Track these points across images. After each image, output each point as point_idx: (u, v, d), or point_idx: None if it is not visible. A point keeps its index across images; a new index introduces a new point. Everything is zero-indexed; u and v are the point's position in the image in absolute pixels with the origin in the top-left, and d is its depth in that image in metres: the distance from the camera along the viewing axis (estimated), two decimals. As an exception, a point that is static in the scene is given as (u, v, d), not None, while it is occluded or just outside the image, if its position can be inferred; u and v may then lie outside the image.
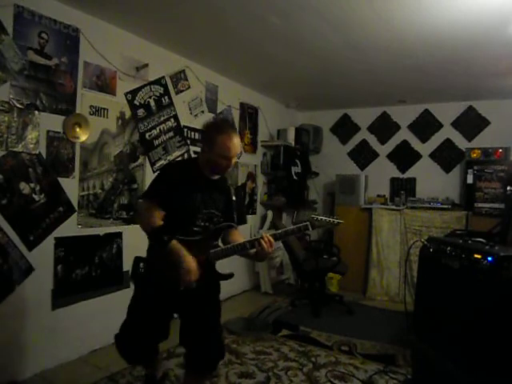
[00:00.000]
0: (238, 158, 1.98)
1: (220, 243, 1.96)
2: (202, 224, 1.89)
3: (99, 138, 3.05)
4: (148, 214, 1.82)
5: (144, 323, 1.93)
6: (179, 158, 3.79)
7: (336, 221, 1.78)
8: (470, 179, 4.60)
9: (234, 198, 2.04)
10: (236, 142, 1.85)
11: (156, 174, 2.06)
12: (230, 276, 1.92)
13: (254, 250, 1.81)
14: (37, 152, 2.61)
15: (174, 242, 1.76)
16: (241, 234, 2.03)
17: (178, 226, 1.82)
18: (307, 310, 4.14)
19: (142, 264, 1.97)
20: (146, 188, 3.30)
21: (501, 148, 4.50)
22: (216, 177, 1.95)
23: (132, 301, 2.00)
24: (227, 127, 1.92)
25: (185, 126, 3.86)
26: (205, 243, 1.87)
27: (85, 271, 2.94)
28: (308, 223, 1.76)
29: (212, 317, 1.97)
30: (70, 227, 2.84)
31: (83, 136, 2.90)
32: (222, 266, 1.94)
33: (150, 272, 1.93)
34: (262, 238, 1.78)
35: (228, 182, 2.14)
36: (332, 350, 3.17)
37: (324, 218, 1.76)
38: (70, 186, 2.85)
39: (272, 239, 1.79)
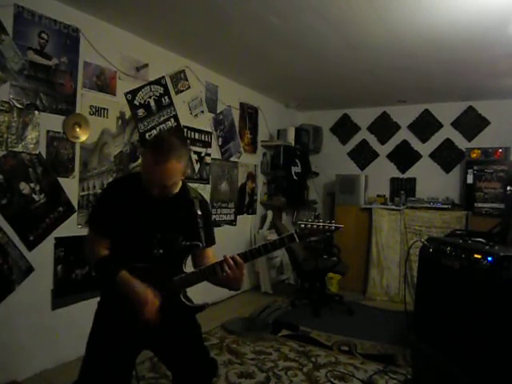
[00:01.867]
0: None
1: (188, 269, 1.61)
2: (160, 251, 1.57)
3: (99, 138, 3.05)
4: (91, 245, 1.57)
5: (104, 369, 1.57)
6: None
7: (333, 225, 1.40)
8: (469, 179, 4.60)
9: (199, 213, 1.64)
10: (163, 170, 1.44)
11: (99, 194, 1.79)
12: (202, 308, 1.58)
13: (222, 275, 1.46)
14: (37, 152, 2.61)
15: (123, 273, 1.47)
16: (215, 256, 1.67)
17: (132, 255, 1.53)
18: (307, 310, 4.14)
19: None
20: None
21: (501, 148, 4.50)
22: (173, 192, 1.57)
23: (89, 340, 1.64)
24: (158, 149, 1.46)
25: (185, 126, 3.86)
26: (164, 271, 1.55)
27: (85, 271, 2.94)
28: (294, 234, 1.42)
29: (195, 337, 1.70)
30: (70, 227, 2.84)
31: (83, 136, 2.90)
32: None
33: (102, 311, 1.63)
34: (226, 259, 1.44)
35: (189, 194, 1.69)
36: (332, 350, 3.17)
37: (316, 223, 1.39)
38: (70, 186, 2.85)
39: (241, 260, 1.44)
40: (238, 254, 1.47)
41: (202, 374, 1.67)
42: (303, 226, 1.41)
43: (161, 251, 1.57)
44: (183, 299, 1.58)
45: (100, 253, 1.54)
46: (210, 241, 1.70)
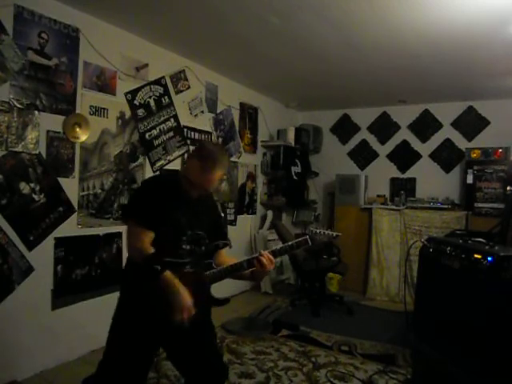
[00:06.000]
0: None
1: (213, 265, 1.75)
2: (189, 247, 1.69)
3: (99, 138, 3.05)
4: (138, 239, 1.61)
5: (125, 364, 1.65)
6: (179, 159, 3.79)
7: (335, 234, 1.76)
8: (469, 179, 4.59)
9: (222, 214, 1.90)
10: (214, 176, 1.64)
11: (137, 188, 1.87)
12: (226, 301, 1.76)
13: (252, 269, 1.65)
14: (37, 152, 2.61)
15: (168, 273, 1.55)
16: (227, 255, 1.84)
17: (163, 249, 1.62)
18: (307, 310, 4.14)
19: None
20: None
21: (501, 148, 4.50)
22: (201, 193, 1.74)
23: (111, 337, 1.75)
24: (212, 157, 1.65)
25: (185, 126, 3.86)
26: (197, 266, 1.69)
27: (85, 271, 2.94)
28: (307, 237, 1.65)
29: (210, 340, 1.82)
30: (70, 227, 2.84)
31: (83, 136, 2.90)
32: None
33: (131, 306, 1.69)
34: (262, 255, 1.62)
35: (213, 197, 1.94)
36: (332, 350, 3.17)
37: (323, 231, 1.75)
38: (70, 186, 2.85)
39: (272, 257, 1.64)
40: (269, 251, 1.65)
41: (215, 376, 1.76)
42: (314, 231, 1.65)
43: (188, 247, 1.69)
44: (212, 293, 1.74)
45: (148, 248, 1.59)
46: (229, 241, 1.90)
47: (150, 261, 1.57)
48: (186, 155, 3.82)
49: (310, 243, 1.64)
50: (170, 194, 1.69)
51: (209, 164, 1.63)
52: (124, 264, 1.80)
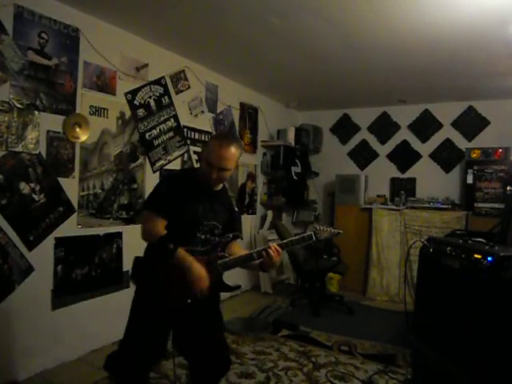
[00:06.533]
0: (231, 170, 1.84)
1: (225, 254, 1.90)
2: (203, 236, 1.82)
3: (99, 138, 3.05)
4: (152, 224, 1.76)
5: (145, 336, 1.77)
6: (179, 159, 3.80)
7: (336, 231, 1.83)
8: (469, 179, 4.59)
9: (236, 209, 2.01)
10: (226, 152, 1.73)
11: (157, 182, 2.00)
12: (237, 287, 1.91)
13: (260, 260, 1.79)
14: (37, 152, 2.61)
15: (181, 250, 1.70)
16: (240, 246, 2.01)
17: (178, 237, 1.75)
18: (307, 310, 4.14)
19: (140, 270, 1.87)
20: (146, 189, 3.35)
21: (501, 148, 4.50)
22: (217, 188, 1.88)
23: (133, 312, 1.84)
24: (224, 136, 1.89)
25: (185, 126, 3.86)
26: (210, 254, 1.82)
27: (85, 271, 2.94)
28: (312, 233, 1.77)
29: (218, 329, 1.95)
30: (70, 227, 2.84)
31: (83, 136, 2.90)
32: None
33: (149, 285, 1.80)
34: (270, 247, 1.76)
35: (228, 193, 2.07)
36: (332, 350, 3.17)
37: (326, 228, 1.81)
38: (70, 186, 2.84)
39: (279, 249, 1.78)
40: (277, 244, 1.79)
41: (219, 363, 1.88)
42: (318, 228, 1.78)
43: (202, 236, 1.82)
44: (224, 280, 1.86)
45: (161, 231, 1.73)
46: (241, 234, 2.01)
47: (164, 241, 1.71)
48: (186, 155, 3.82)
49: (314, 238, 1.76)
50: (186, 186, 1.83)
51: (206, 159, 1.77)
52: (142, 254, 1.90)
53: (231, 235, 1.90)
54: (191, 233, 1.80)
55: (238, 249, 1.94)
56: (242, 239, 1.93)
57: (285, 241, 1.82)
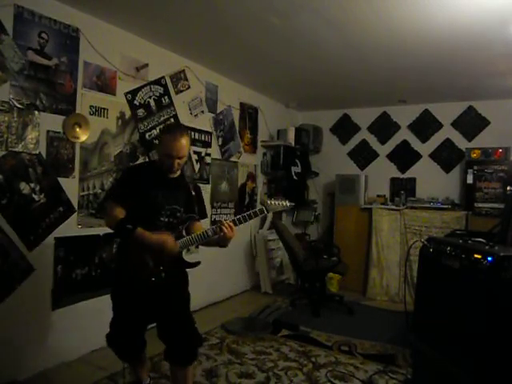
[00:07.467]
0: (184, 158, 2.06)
1: (184, 233, 2.08)
2: (166, 220, 2.00)
3: (99, 138, 3.05)
4: (112, 211, 1.94)
5: (125, 316, 2.10)
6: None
7: (288, 204, 1.99)
8: (469, 179, 4.59)
9: (193, 193, 2.15)
10: (180, 142, 1.93)
11: (118, 176, 2.20)
12: (196, 264, 2.07)
13: (217, 236, 1.94)
14: (37, 152, 2.61)
15: (139, 229, 1.86)
16: (201, 226, 2.15)
17: (142, 222, 1.90)
18: (307, 310, 4.14)
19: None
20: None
21: (501, 148, 4.50)
22: (175, 175, 2.05)
23: (111, 297, 2.14)
24: (174, 128, 2.06)
25: (185, 126, 3.85)
26: (172, 235, 1.97)
27: (85, 271, 2.94)
28: (263, 208, 1.98)
29: (183, 309, 2.07)
30: (70, 227, 2.84)
31: (83, 136, 2.90)
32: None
33: (119, 270, 2.08)
34: (223, 223, 1.91)
35: (186, 178, 2.25)
36: (332, 350, 3.17)
37: (278, 202, 1.99)
38: (70, 186, 2.85)
39: (232, 224, 1.93)
40: (229, 220, 1.96)
41: (187, 341, 2.00)
42: (268, 202, 1.98)
43: (166, 220, 2.00)
44: (183, 257, 2.06)
45: (119, 216, 1.90)
46: (202, 215, 2.21)
47: (122, 222, 1.88)
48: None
49: (266, 212, 1.99)
50: (146, 175, 2.02)
51: (164, 152, 1.95)
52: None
53: (187, 216, 2.08)
54: (155, 217, 1.97)
55: (200, 228, 2.08)
56: (198, 220, 2.12)
57: (238, 216, 1.98)
